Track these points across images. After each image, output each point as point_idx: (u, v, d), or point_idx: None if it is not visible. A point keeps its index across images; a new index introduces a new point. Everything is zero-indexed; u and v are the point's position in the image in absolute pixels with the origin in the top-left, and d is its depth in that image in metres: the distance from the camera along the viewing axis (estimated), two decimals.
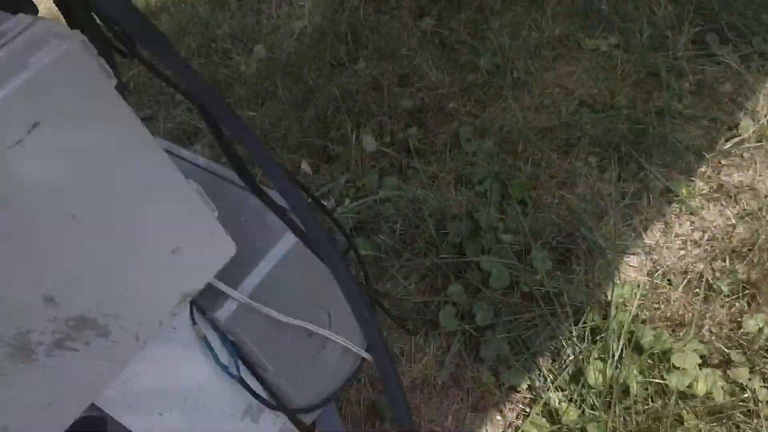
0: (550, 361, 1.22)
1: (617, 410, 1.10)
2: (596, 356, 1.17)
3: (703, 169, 1.47)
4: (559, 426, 1.12)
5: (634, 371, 1.13)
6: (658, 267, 1.32)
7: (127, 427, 0.60)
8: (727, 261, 1.28)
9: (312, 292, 0.73)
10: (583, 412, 1.12)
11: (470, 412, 1.20)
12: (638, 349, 1.17)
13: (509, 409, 1.19)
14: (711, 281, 1.25)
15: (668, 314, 1.22)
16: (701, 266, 1.29)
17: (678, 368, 1.12)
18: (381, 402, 1.21)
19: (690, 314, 1.21)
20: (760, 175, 1.42)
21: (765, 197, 1.38)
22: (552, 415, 1.15)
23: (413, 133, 1.71)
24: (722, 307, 1.21)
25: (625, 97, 1.63)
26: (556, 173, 1.53)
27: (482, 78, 1.80)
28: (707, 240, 1.34)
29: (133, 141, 0.41)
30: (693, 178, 1.45)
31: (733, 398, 1.09)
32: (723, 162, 1.47)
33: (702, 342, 1.17)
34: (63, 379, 0.43)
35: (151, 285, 0.47)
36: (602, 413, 1.10)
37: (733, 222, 1.35)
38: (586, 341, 1.19)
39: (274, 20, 2.23)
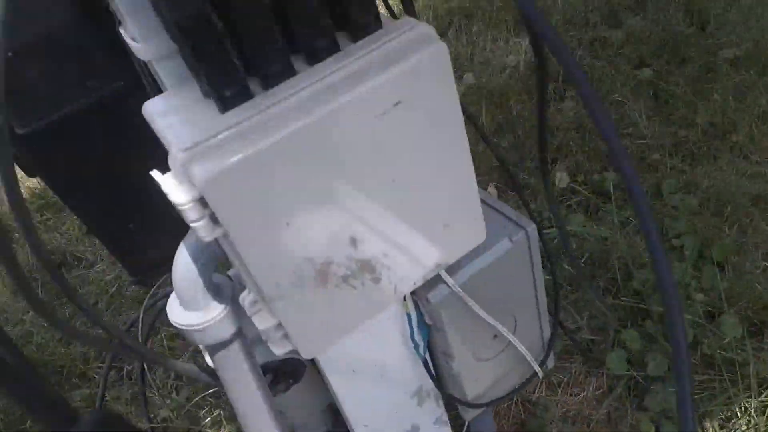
0: (719, 427, 1.12)
1: None
2: None
3: None
4: None
5: None
6: None
7: (323, 371, 0.66)
8: None
9: (506, 297, 0.77)
10: None
11: None
12: None
13: None
14: None
15: None
16: None
17: None
18: (531, 424, 1.19)
19: None
20: None
21: None
22: None
23: (609, 177, 1.67)
24: None
25: None
26: (764, 243, 1.41)
27: (696, 135, 1.72)
28: None
29: (454, 133, 0.48)
30: None
31: None
32: None
33: None
34: (338, 308, 0.50)
35: (422, 249, 0.53)
36: None
37: None
38: (765, 416, 1.08)
39: (487, 53, 2.32)
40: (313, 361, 0.66)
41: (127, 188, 0.68)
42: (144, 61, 0.47)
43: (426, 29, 0.43)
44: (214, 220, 0.41)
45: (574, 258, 1.40)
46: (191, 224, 0.40)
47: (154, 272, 0.83)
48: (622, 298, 1.31)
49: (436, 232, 0.53)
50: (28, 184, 2.39)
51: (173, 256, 0.70)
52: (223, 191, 0.39)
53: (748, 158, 1.64)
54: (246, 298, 0.51)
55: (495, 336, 0.78)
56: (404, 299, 0.66)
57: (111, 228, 0.74)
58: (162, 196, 0.40)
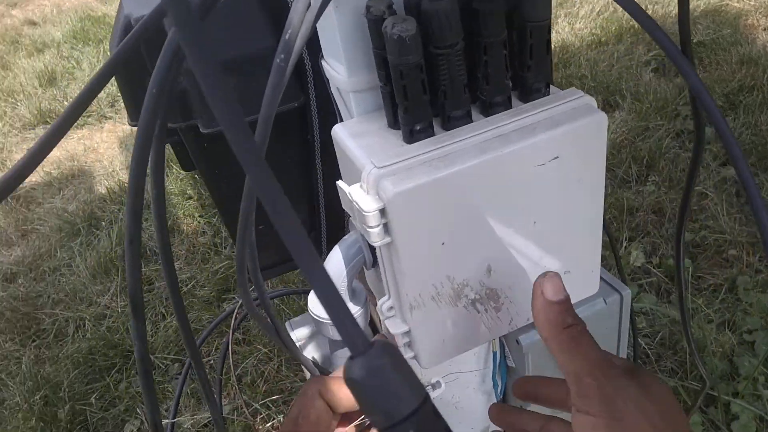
0: None
1: None
2: None
3: None
4: None
5: None
6: None
7: None
8: None
9: None
10: None
11: None
12: None
13: None
14: None
15: None
16: None
17: None
18: None
19: None
20: None
21: None
22: None
23: (685, 264, 1.70)
24: None
25: None
26: None
27: None
28: None
29: (596, 190, 0.54)
30: None
31: None
32: None
33: None
34: (461, 327, 0.55)
35: None
36: None
37: None
38: None
39: None
40: None
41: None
42: (339, 90, 0.56)
43: (590, 100, 0.51)
44: (386, 229, 0.48)
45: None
46: (368, 229, 0.48)
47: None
48: (690, 381, 1.33)
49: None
50: (119, 178, 2.56)
51: (277, 264, 0.77)
52: (405, 206, 0.46)
53: None
54: (384, 303, 0.58)
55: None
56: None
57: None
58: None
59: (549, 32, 0.51)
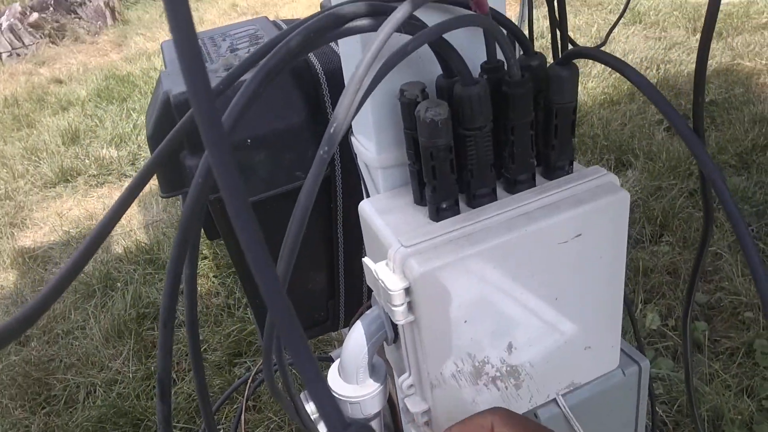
0: None
1: None
2: None
3: None
4: None
5: None
6: None
7: None
8: None
9: (606, 428, 0.79)
10: None
11: None
12: None
13: None
14: None
15: None
16: None
17: None
18: None
19: None
20: None
21: None
22: None
23: (700, 327, 1.68)
24: None
25: None
26: None
27: None
28: None
29: (618, 266, 0.55)
30: None
31: None
32: None
33: None
34: (481, 405, 0.55)
35: (562, 366, 0.59)
36: None
37: None
38: None
39: None
40: None
41: None
42: (367, 166, 0.58)
43: (612, 178, 0.52)
44: (409, 307, 0.48)
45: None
46: (393, 308, 0.48)
47: None
48: None
49: (578, 352, 0.59)
50: (137, 237, 2.58)
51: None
52: (430, 285, 0.46)
53: None
54: (404, 381, 0.58)
55: None
56: None
57: (259, 296, 0.83)
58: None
59: (574, 113, 0.52)
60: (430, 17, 0.47)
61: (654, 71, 3.15)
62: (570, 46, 0.71)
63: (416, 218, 0.52)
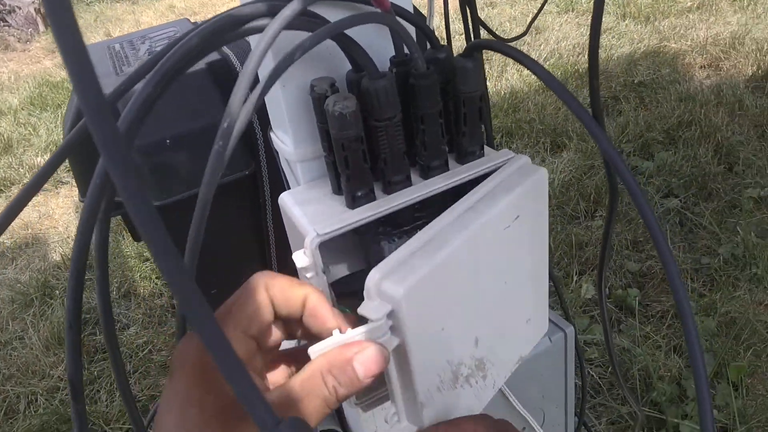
0: None
1: None
2: None
3: None
4: None
5: None
6: None
7: None
8: None
9: (538, 393, 0.84)
10: None
11: None
12: None
13: None
14: None
15: None
16: None
17: None
18: None
19: None
20: None
21: None
22: None
23: (633, 294, 1.77)
24: None
25: None
26: None
27: (717, 264, 1.82)
28: None
29: (544, 237, 0.59)
30: None
31: None
32: None
33: None
34: (453, 407, 0.53)
35: (514, 344, 0.60)
36: None
37: None
38: None
39: None
40: None
41: (219, 258, 0.78)
42: (287, 160, 0.59)
43: (527, 159, 0.55)
44: (392, 331, 0.44)
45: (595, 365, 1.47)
46: (378, 339, 0.42)
47: None
48: (642, 409, 1.37)
49: (522, 327, 0.61)
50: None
51: None
52: (413, 303, 0.43)
53: (766, 290, 1.73)
54: (387, 413, 0.55)
55: (524, 429, 0.84)
56: None
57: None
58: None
59: (482, 100, 0.55)
60: (334, 15, 0.49)
61: (585, 56, 3.24)
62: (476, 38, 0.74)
63: (333, 207, 0.54)
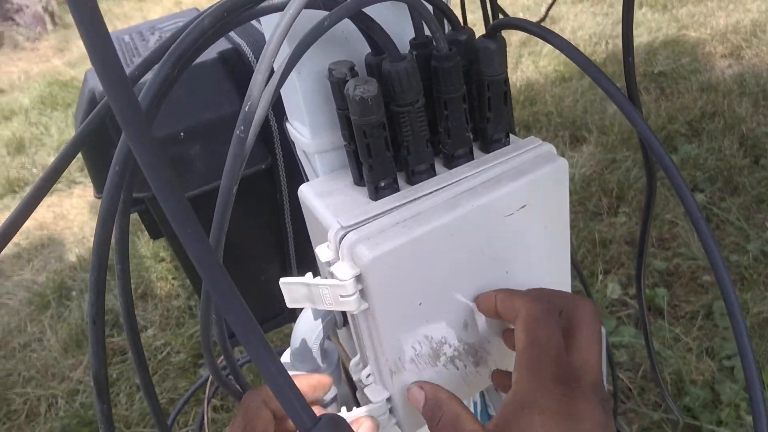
0: None
1: None
2: None
3: None
4: None
5: None
6: None
7: None
8: None
9: None
10: None
11: None
12: None
13: None
14: None
15: None
16: None
17: None
18: None
19: None
20: None
21: None
22: None
23: (661, 294, 1.72)
24: None
25: None
26: None
27: (747, 261, 1.77)
28: None
29: (563, 232, 0.56)
30: None
31: None
32: None
33: None
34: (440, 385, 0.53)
35: None
36: None
37: None
38: None
39: None
40: None
41: (237, 255, 0.76)
42: (304, 151, 0.57)
43: (550, 147, 0.52)
44: (362, 295, 0.46)
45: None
46: (345, 299, 0.46)
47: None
48: (673, 415, 1.33)
49: None
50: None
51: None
52: (382, 271, 0.45)
53: None
54: (362, 371, 0.56)
55: None
56: None
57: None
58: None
59: (506, 84, 0.52)
60: None
61: (603, 46, 3.19)
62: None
63: (355, 198, 0.51)
